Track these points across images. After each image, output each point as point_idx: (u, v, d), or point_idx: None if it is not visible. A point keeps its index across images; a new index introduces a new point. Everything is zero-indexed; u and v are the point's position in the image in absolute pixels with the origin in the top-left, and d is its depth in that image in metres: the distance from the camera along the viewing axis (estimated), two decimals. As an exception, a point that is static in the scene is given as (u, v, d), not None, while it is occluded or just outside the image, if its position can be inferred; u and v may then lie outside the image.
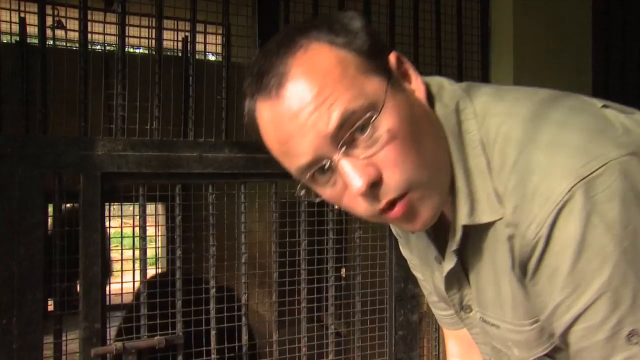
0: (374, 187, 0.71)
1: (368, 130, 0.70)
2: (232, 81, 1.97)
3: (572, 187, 0.66)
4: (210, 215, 1.89)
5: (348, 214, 2.73)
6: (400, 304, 2.15)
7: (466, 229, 0.79)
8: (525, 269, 0.73)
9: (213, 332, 1.90)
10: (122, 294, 2.15)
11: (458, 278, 0.87)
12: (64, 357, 1.75)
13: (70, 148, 1.70)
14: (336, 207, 2.09)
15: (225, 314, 1.92)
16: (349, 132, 0.69)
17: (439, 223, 0.85)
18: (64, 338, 1.76)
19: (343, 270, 2.83)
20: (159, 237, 3.54)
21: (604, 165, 0.66)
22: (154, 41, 1.92)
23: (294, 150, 0.72)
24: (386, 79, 0.72)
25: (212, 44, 3.75)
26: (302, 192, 0.78)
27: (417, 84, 0.78)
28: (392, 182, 0.71)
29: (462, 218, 0.78)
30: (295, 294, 2.04)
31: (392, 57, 0.76)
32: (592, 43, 2.59)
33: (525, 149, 0.71)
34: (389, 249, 2.15)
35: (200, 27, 2.62)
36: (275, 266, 1.97)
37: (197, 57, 1.96)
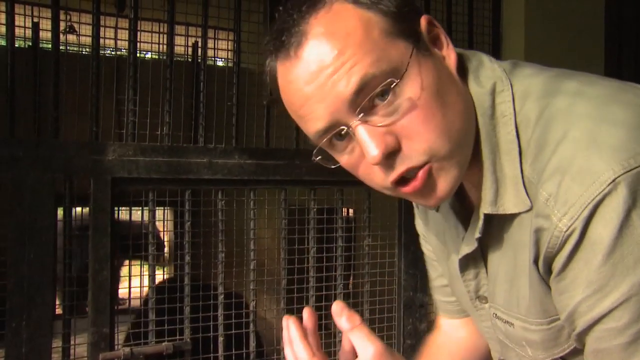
0: (391, 156, 0.68)
1: (389, 97, 0.67)
2: (243, 87, 1.97)
3: (616, 178, 0.61)
4: (220, 221, 1.89)
5: (357, 222, 2.71)
6: (408, 312, 2.14)
7: (489, 216, 0.75)
8: (550, 263, 0.69)
9: (221, 339, 1.90)
10: (129, 298, 2.16)
11: (476, 264, 0.84)
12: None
13: (81, 152, 1.70)
14: (344, 212, 2.09)
15: (233, 320, 1.92)
16: (368, 97, 0.67)
17: (465, 206, 0.83)
18: (72, 342, 1.77)
19: (351, 280, 2.83)
20: (168, 242, 3.55)
21: None
22: (165, 46, 1.93)
23: (311, 113, 0.70)
24: (412, 44, 0.69)
25: (222, 49, 3.77)
26: (319, 158, 0.76)
27: (448, 52, 0.74)
28: (411, 151, 0.68)
29: (485, 206, 0.74)
30: (303, 301, 2.03)
31: (424, 21, 0.72)
32: (605, 39, 2.57)
33: (568, 134, 0.66)
34: (398, 257, 2.14)
35: (210, 32, 2.63)
36: (283, 273, 1.97)
37: (207, 62, 1.97)
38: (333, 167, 0.77)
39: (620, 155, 0.62)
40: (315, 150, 0.75)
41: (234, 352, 1.91)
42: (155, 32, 3.58)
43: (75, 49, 4.44)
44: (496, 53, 2.46)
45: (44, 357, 1.66)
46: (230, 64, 2.04)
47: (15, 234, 1.64)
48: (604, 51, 2.57)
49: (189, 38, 3.91)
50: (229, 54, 2.58)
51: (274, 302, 2.09)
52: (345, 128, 0.69)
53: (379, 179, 0.72)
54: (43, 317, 1.67)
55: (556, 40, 2.44)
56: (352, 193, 2.12)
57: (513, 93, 0.73)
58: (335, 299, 2.05)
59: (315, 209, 2.01)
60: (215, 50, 4.16)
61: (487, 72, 0.76)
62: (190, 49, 4.01)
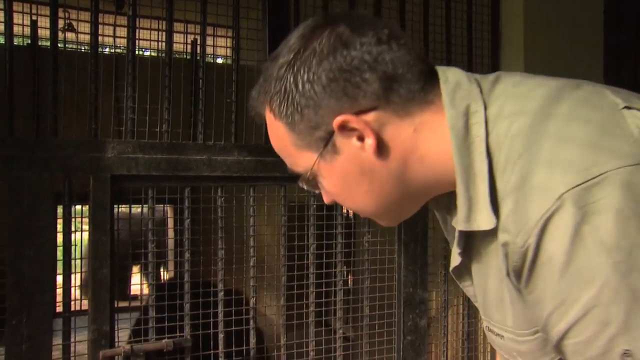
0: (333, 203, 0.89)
1: (314, 182, 0.86)
2: (242, 84, 1.97)
3: (562, 194, 0.64)
4: (219, 218, 1.88)
5: (357, 218, 2.71)
6: (408, 308, 2.14)
7: (468, 232, 0.78)
8: (519, 276, 0.71)
9: (221, 336, 1.90)
10: (129, 295, 2.15)
11: (470, 275, 0.87)
12: (72, 358, 1.76)
13: (80, 150, 1.70)
14: (344, 210, 2.08)
15: (233, 317, 1.92)
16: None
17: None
18: (72, 340, 1.77)
19: (350, 278, 2.83)
20: (169, 240, 3.54)
21: (602, 174, 0.63)
22: (163, 44, 1.92)
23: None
24: (318, 152, 0.80)
25: (221, 46, 3.76)
26: (302, 184, 0.88)
27: (366, 141, 0.79)
28: (343, 205, 0.91)
29: (459, 223, 0.78)
30: (303, 297, 2.03)
31: (337, 124, 0.78)
32: (604, 39, 2.57)
33: (526, 152, 0.69)
34: (398, 253, 2.14)
35: (209, 30, 2.62)
36: (283, 269, 1.97)
37: (206, 60, 1.96)
38: (317, 192, 0.95)
39: (569, 173, 0.64)
40: (299, 179, 0.90)
41: (234, 348, 1.91)
42: (154, 30, 3.58)
43: (74, 46, 4.44)
44: (495, 52, 2.46)
45: (44, 355, 1.66)
46: (229, 61, 2.04)
47: (15, 233, 1.64)
48: (602, 50, 2.57)
49: (188, 35, 3.91)
50: (228, 51, 2.58)
51: (274, 299, 2.09)
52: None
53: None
54: (43, 315, 1.67)
55: (556, 39, 2.43)
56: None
57: (487, 114, 0.76)
58: (335, 296, 2.06)
59: (315, 205, 2.01)
60: (214, 48, 4.16)
61: (462, 94, 0.79)
62: (189, 47, 4.01)
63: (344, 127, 0.77)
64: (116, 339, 1.79)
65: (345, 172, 0.80)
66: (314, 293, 2.02)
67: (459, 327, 2.40)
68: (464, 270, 0.85)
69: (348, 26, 0.77)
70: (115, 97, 1.90)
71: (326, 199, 0.88)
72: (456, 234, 0.80)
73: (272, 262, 2.11)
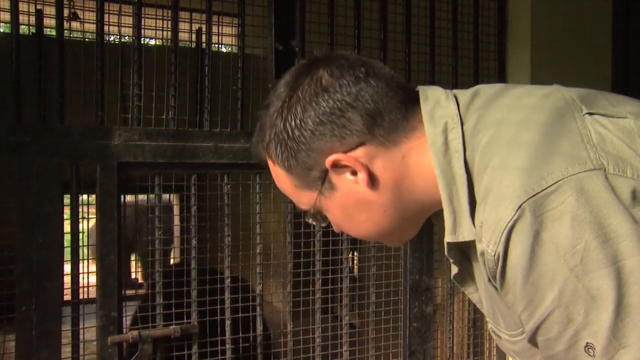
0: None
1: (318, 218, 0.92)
2: (248, 71, 1.97)
3: (521, 204, 0.68)
4: (226, 206, 1.89)
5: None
6: (414, 295, 2.15)
7: (458, 243, 0.82)
8: (495, 281, 0.76)
9: (228, 322, 1.91)
10: (136, 282, 2.17)
11: (473, 281, 0.90)
12: (81, 344, 1.77)
13: (87, 138, 1.71)
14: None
15: (240, 303, 1.93)
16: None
17: None
18: (81, 326, 1.78)
19: (356, 265, 2.83)
20: (175, 227, 3.55)
21: (557, 182, 0.67)
22: (168, 33, 1.92)
23: None
24: (317, 191, 0.85)
25: (227, 35, 3.76)
26: (309, 219, 0.94)
27: (359, 175, 0.84)
28: (347, 233, 0.93)
29: (447, 235, 0.82)
30: (309, 284, 2.04)
31: (329, 164, 0.83)
32: (612, 33, 2.55)
33: (490, 163, 0.74)
34: (404, 241, 2.14)
35: (214, 19, 2.61)
36: (289, 257, 1.97)
37: (211, 48, 1.96)
38: (323, 225, 1.00)
39: (525, 182, 0.69)
40: (306, 215, 0.95)
41: (241, 335, 1.92)
42: (159, 18, 3.58)
43: (79, 36, 4.45)
44: (501, 47, 2.43)
45: (53, 341, 1.67)
46: (234, 50, 2.04)
47: (23, 220, 1.65)
48: (611, 44, 2.54)
49: (193, 24, 3.91)
50: (234, 39, 2.57)
51: (279, 287, 2.10)
52: None
53: None
54: (52, 301, 1.69)
55: (563, 34, 2.42)
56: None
57: (463, 130, 0.81)
58: (341, 283, 2.07)
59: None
60: (220, 36, 4.16)
61: (441, 112, 0.83)
62: (194, 35, 4.01)
63: (336, 165, 0.83)
64: (124, 325, 1.81)
65: (344, 205, 0.86)
66: (320, 280, 2.02)
67: (464, 315, 2.40)
68: (467, 276, 0.89)
69: (326, 71, 0.82)
70: (121, 85, 1.90)
71: (335, 229, 0.93)
72: (445, 246, 0.83)
73: (278, 250, 2.12)
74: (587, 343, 0.69)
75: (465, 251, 0.85)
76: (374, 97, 0.82)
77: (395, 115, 0.83)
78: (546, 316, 0.71)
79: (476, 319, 2.34)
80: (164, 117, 1.82)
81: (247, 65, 1.96)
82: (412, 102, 0.85)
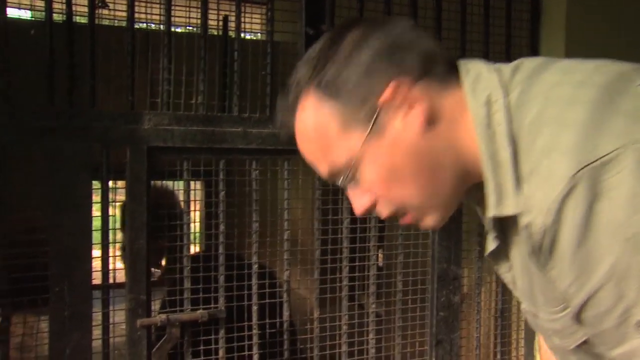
0: (373, 208, 0.85)
1: (353, 182, 0.84)
2: (276, 57, 1.95)
3: (578, 171, 0.66)
4: (254, 191, 1.89)
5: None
6: (442, 284, 2.13)
7: (500, 218, 0.80)
8: (541, 255, 0.74)
9: (255, 308, 1.91)
10: (165, 267, 2.18)
11: (507, 259, 0.88)
12: (111, 326, 1.79)
13: (118, 122, 1.72)
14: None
15: (267, 289, 1.93)
16: (339, 181, 0.84)
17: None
18: (111, 309, 1.80)
19: (381, 255, 2.81)
20: (198, 213, 3.57)
21: (616, 149, 0.65)
22: (196, 20, 1.92)
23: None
24: (366, 130, 0.79)
25: (256, 23, 3.76)
26: (342, 180, 0.87)
27: (416, 114, 0.80)
28: (382, 210, 0.85)
29: (490, 210, 0.79)
30: (336, 271, 2.03)
31: (389, 91, 0.79)
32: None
33: (541, 137, 0.72)
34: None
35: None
36: (317, 243, 1.97)
37: (240, 36, 1.95)
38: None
39: (578, 153, 0.67)
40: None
41: (267, 321, 1.92)
42: (185, 7, 3.59)
43: (108, 22, 4.48)
44: (535, 30, 2.37)
45: (85, 322, 1.70)
46: (262, 37, 2.03)
47: (55, 204, 1.67)
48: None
49: (219, 12, 3.90)
50: (262, 26, 2.56)
51: (307, 273, 2.10)
52: (340, 184, 0.86)
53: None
54: (83, 284, 1.71)
55: (598, 18, 2.35)
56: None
57: (507, 102, 0.78)
58: (368, 271, 2.05)
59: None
60: (245, 24, 4.13)
61: (483, 84, 0.81)
62: (221, 23, 4.01)
63: (391, 100, 0.78)
64: (152, 309, 1.82)
65: (392, 154, 0.80)
66: (347, 267, 2.01)
67: (491, 305, 2.37)
68: (502, 254, 0.87)
69: (377, 21, 0.84)
70: (150, 69, 1.90)
71: (363, 204, 0.85)
72: (489, 220, 0.81)
73: (305, 237, 2.12)
74: (639, 320, 0.67)
75: (504, 227, 0.82)
76: (429, 42, 0.81)
77: (445, 67, 0.82)
78: (596, 291, 0.68)
79: (504, 310, 2.31)
80: (193, 101, 1.81)
81: (275, 51, 1.94)
82: (453, 73, 0.83)
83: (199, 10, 1.87)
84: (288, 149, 1.88)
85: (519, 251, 0.82)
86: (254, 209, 1.89)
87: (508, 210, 0.77)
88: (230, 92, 1.87)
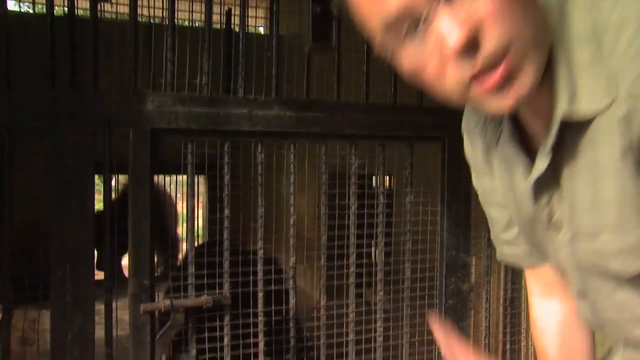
0: (470, 47, 0.62)
1: None
2: (282, 46, 1.93)
3: None
4: (259, 176, 1.85)
5: (398, 178, 2.64)
6: (450, 272, 2.09)
7: (562, 126, 0.70)
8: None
9: (260, 294, 1.88)
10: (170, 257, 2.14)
11: (549, 187, 0.78)
12: (114, 313, 1.76)
13: (120, 103, 1.68)
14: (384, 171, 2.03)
15: (273, 276, 1.90)
16: None
17: (528, 127, 0.79)
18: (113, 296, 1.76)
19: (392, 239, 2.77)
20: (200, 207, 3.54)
21: None
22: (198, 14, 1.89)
23: (383, 5, 0.64)
24: None
25: (260, 17, 3.75)
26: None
27: None
28: (493, 39, 0.62)
29: (562, 106, 0.68)
30: (343, 258, 1.99)
31: None
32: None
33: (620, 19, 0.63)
34: (440, 215, 2.08)
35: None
36: (324, 229, 1.93)
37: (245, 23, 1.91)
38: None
39: None
40: (381, 49, 0.69)
41: (273, 308, 1.89)
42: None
43: (109, 17, 4.46)
44: None
45: (87, 306, 1.66)
46: (265, 31, 1.99)
47: (59, 188, 1.63)
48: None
49: (222, 6, 3.90)
50: (262, 21, 2.53)
51: (313, 260, 2.06)
52: (423, 14, 0.63)
53: (454, 75, 0.65)
54: (84, 270, 1.67)
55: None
56: (393, 148, 2.06)
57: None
58: (376, 257, 2.02)
59: (356, 164, 1.96)
60: (247, 18, 4.12)
61: None
62: (224, 17, 4.01)
63: None
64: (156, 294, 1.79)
65: None
66: (355, 254, 1.97)
67: (500, 294, 2.34)
68: (544, 184, 0.77)
69: None
70: (154, 51, 1.88)
71: (462, 33, 0.62)
72: (552, 131, 0.71)
73: (311, 223, 2.08)
74: None
75: (566, 139, 0.72)
76: None
77: None
78: None
79: (513, 299, 2.27)
80: (198, 81, 1.78)
81: (280, 38, 1.92)
82: None
83: (202, 3, 1.84)
84: (294, 132, 1.85)
85: (577, 170, 0.73)
86: (259, 193, 1.85)
87: (588, 106, 0.67)
88: (235, 74, 1.84)
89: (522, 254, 1.02)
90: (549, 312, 1.08)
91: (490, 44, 0.63)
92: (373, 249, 2.03)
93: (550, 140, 0.72)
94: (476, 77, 0.65)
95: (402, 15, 0.64)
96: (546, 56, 0.68)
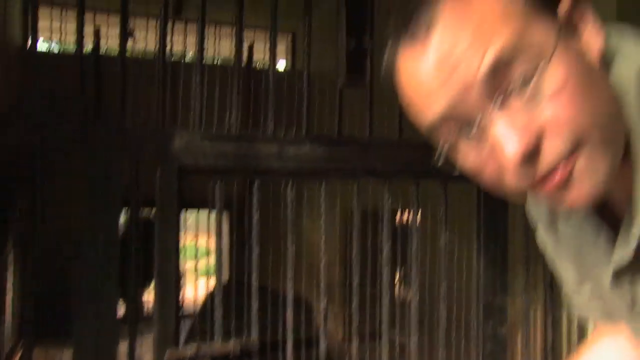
0: (531, 156, 0.56)
1: (533, 82, 0.55)
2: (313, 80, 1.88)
3: None
4: (288, 215, 1.78)
5: (432, 217, 2.56)
6: (488, 315, 1.98)
7: None
8: None
9: (290, 341, 1.79)
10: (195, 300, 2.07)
11: (632, 269, 0.69)
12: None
13: (148, 140, 1.65)
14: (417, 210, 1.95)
15: (303, 320, 1.81)
16: (507, 79, 0.55)
17: (607, 209, 0.70)
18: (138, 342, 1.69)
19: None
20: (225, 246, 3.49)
21: None
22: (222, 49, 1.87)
23: (430, 101, 0.58)
24: (556, 25, 0.58)
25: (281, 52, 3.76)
26: (441, 160, 0.62)
27: (592, 38, 0.61)
28: (557, 144, 0.56)
29: None
30: (376, 298, 1.90)
31: (567, 1, 0.59)
32: None
33: None
34: (477, 256, 1.99)
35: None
36: (356, 269, 1.84)
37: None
38: (456, 174, 0.65)
39: None
40: (437, 153, 0.62)
41: (303, 351, 1.80)
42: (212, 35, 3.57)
43: (132, 53, 4.50)
44: None
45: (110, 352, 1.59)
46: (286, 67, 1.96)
47: (86, 216, 1.59)
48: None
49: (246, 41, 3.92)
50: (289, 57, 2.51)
51: (342, 301, 1.97)
52: (477, 119, 0.57)
53: (515, 178, 0.59)
54: (108, 316, 1.61)
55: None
56: (426, 185, 1.98)
57: None
58: (411, 300, 1.93)
59: (389, 203, 1.88)
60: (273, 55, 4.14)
61: (631, 57, 0.64)
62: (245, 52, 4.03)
63: (572, 11, 0.59)
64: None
65: (581, 59, 0.59)
66: (389, 294, 1.88)
67: (538, 336, 2.21)
68: (627, 270, 0.70)
69: None
70: (183, 89, 1.84)
71: (526, 136, 0.56)
72: (636, 222, 0.63)
73: (342, 263, 2.00)
74: None
75: None
76: None
77: None
78: None
79: (554, 344, 2.15)
80: (227, 118, 1.73)
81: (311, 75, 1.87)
82: None
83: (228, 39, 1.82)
84: (326, 169, 1.79)
85: None
86: (289, 231, 1.78)
87: None
88: (265, 110, 1.79)
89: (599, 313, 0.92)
90: (610, 346, 0.98)
91: (553, 152, 0.57)
92: (407, 287, 1.94)
93: (635, 230, 0.64)
94: (542, 177, 0.58)
95: (452, 116, 0.58)
96: (621, 146, 0.62)
